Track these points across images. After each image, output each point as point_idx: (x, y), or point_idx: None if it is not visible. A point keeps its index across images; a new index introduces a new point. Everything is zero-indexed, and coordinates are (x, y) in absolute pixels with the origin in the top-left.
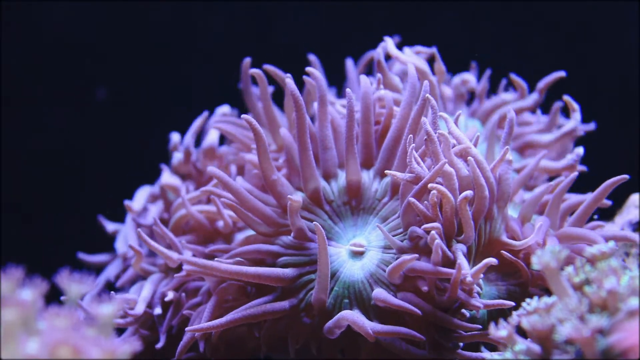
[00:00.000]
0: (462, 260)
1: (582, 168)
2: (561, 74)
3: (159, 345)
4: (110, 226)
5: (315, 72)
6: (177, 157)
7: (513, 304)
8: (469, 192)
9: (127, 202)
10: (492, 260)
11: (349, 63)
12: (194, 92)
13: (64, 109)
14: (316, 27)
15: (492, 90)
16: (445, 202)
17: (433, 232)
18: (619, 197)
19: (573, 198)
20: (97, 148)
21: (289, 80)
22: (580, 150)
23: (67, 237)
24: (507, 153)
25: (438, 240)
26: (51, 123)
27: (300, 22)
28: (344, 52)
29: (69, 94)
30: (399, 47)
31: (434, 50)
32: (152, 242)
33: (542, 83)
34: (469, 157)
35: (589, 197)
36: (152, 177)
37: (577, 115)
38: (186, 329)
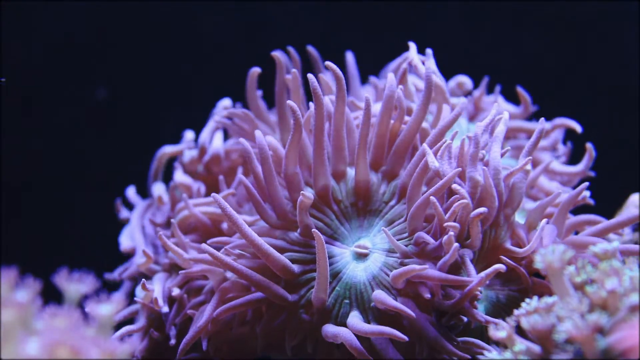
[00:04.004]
0: (471, 269)
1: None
2: (577, 126)
3: (172, 342)
4: (124, 213)
5: (336, 68)
6: (190, 154)
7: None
8: (483, 209)
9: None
10: (500, 267)
11: (350, 57)
12: (193, 92)
13: (64, 109)
14: (315, 27)
15: (490, 91)
16: (465, 207)
17: (451, 233)
18: (619, 197)
19: (581, 217)
20: (97, 148)
21: (310, 76)
22: (586, 191)
23: (67, 237)
24: (527, 163)
25: (456, 245)
26: (51, 123)
27: (299, 22)
28: (343, 52)
29: (69, 94)
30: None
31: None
32: (171, 244)
33: (559, 121)
34: (490, 165)
35: (612, 220)
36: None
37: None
38: (191, 326)
